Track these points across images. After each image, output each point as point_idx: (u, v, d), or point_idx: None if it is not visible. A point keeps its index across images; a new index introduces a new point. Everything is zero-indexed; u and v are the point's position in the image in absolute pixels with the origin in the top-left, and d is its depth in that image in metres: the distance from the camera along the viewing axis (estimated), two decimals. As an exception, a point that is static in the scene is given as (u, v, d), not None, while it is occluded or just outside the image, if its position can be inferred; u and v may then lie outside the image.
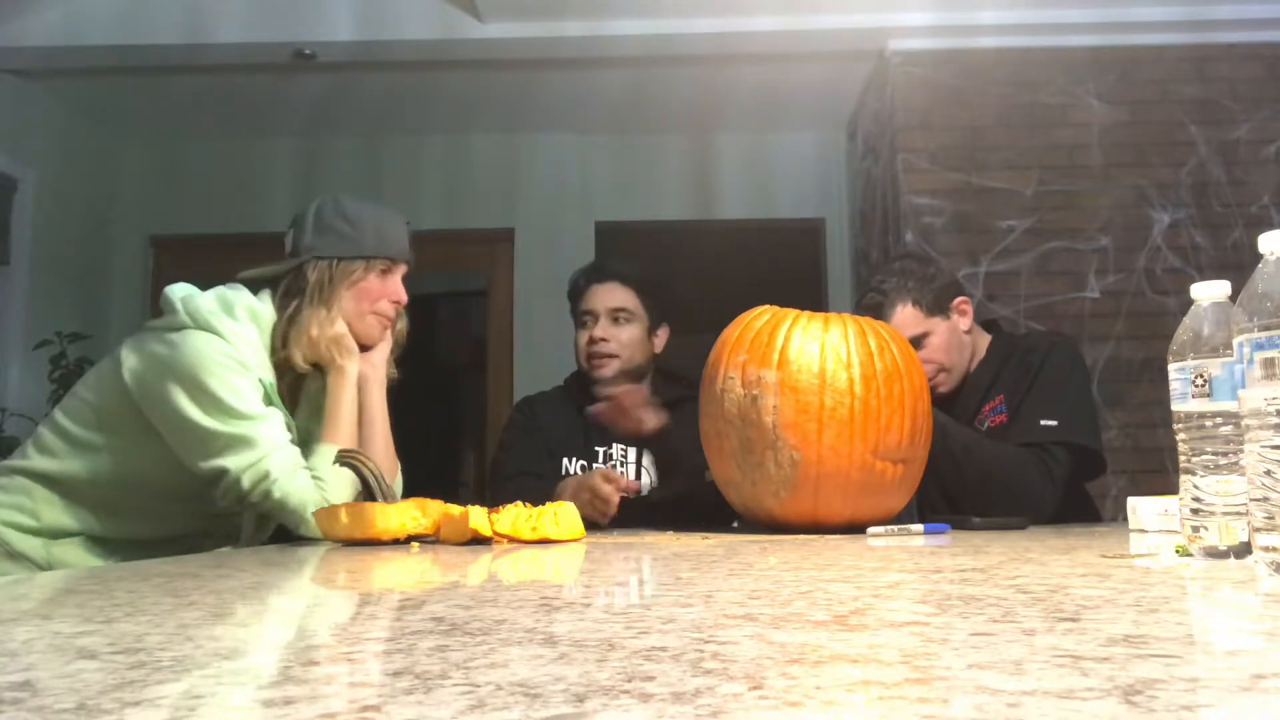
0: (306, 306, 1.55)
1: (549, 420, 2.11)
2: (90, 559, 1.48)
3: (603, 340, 2.07)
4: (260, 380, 1.48)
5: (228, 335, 1.46)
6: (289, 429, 1.53)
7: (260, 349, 1.52)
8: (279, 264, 1.60)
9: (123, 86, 3.96)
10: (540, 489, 1.92)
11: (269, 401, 1.50)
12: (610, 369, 2.08)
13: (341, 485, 1.48)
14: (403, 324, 1.72)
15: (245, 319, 1.51)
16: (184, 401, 1.42)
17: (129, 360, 1.47)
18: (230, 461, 1.42)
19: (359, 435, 1.61)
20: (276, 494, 1.43)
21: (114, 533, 1.52)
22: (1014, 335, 2.05)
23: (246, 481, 1.42)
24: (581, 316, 2.13)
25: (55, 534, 1.49)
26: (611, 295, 2.11)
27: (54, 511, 1.48)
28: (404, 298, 1.65)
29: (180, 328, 1.46)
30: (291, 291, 1.57)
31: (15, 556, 1.45)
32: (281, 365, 1.57)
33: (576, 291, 2.15)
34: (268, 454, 1.43)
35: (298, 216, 1.63)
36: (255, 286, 1.60)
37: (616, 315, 2.10)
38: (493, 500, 1.98)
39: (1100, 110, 3.52)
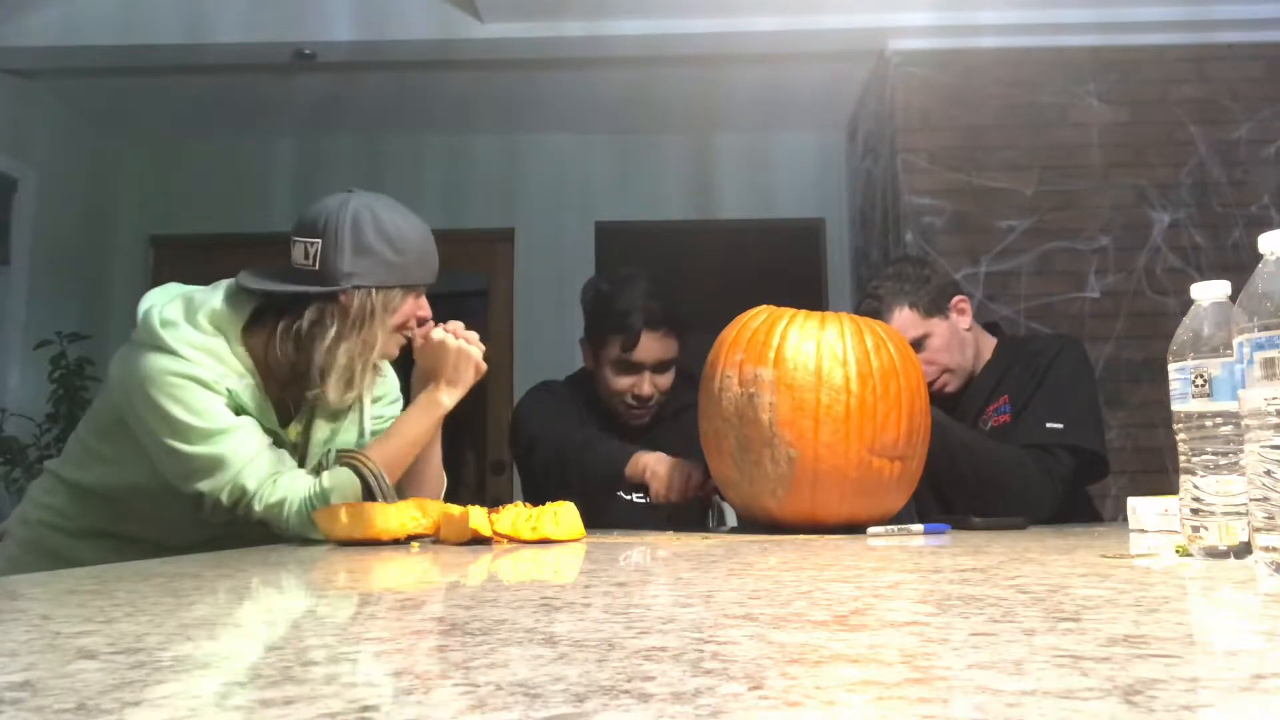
0: (345, 339, 1.45)
1: (569, 408, 2.09)
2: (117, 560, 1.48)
3: (650, 396, 1.99)
4: (228, 390, 1.41)
5: (182, 351, 1.38)
6: (276, 435, 1.49)
7: (226, 356, 1.42)
8: (299, 285, 1.44)
9: (123, 86, 3.96)
10: (611, 440, 1.94)
11: (238, 411, 1.42)
12: (649, 418, 2.04)
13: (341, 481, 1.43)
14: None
15: (208, 326, 1.42)
16: (152, 422, 1.37)
17: (113, 373, 1.44)
18: (205, 485, 1.38)
19: (416, 458, 1.56)
20: (258, 507, 1.39)
21: (143, 534, 1.50)
22: (1020, 337, 2.05)
23: (227, 500, 1.39)
24: (625, 362, 1.98)
25: (86, 534, 1.50)
26: (666, 347, 1.99)
27: (81, 512, 1.50)
28: (429, 314, 1.54)
29: (139, 344, 1.41)
30: (326, 320, 1.44)
31: (44, 552, 1.48)
32: (286, 380, 1.50)
33: (628, 329, 1.96)
34: (241, 469, 1.38)
35: (326, 227, 1.44)
36: (256, 298, 1.49)
37: (664, 364, 2.00)
38: (543, 467, 1.94)
39: (1100, 110, 3.52)
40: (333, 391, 1.45)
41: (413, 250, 1.49)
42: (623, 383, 2.00)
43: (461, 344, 1.52)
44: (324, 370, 1.44)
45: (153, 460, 1.42)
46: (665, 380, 2.02)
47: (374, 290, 1.45)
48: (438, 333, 1.52)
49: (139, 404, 1.38)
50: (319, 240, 1.44)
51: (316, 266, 1.44)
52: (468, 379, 1.53)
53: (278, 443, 1.50)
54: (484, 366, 1.55)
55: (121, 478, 1.48)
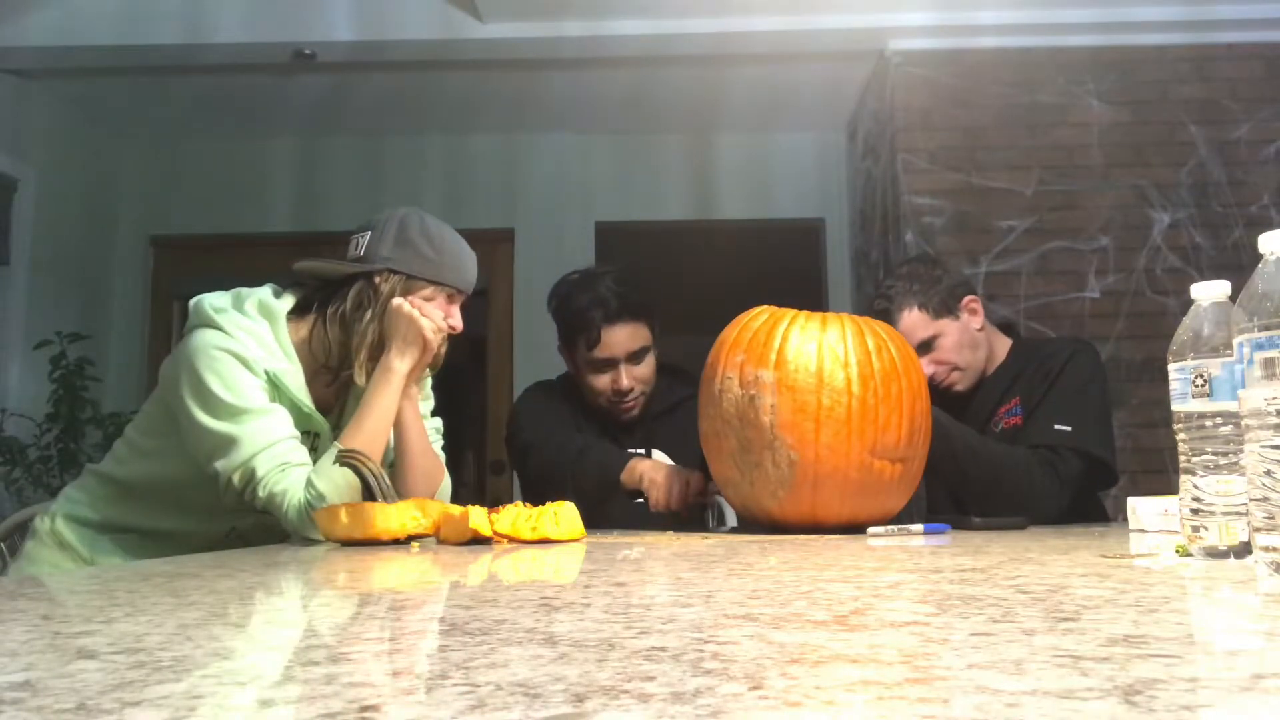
0: (374, 321, 1.54)
1: (565, 409, 2.08)
2: (133, 557, 1.51)
3: (630, 389, 1.98)
4: (266, 372, 1.48)
5: (229, 329, 1.47)
6: (316, 426, 1.54)
7: (270, 341, 1.51)
8: (342, 263, 1.57)
9: (122, 86, 3.96)
10: (607, 447, 1.94)
11: (276, 397, 1.49)
12: (638, 409, 2.02)
13: (338, 483, 1.45)
14: (443, 349, 1.68)
15: (255, 313, 1.51)
16: (185, 396, 1.44)
17: (164, 362, 1.54)
18: (220, 464, 1.43)
19: (397, 448, 1.59)
20: (262, 494, 1.42)
21: (165, 529, 1.56)
22: (1035, 340, 2.06)
23: (238, 482, 1.42)
24: (596, 360, 1.97)
25: (107, 528, 1.56)
26: (633, 338, 1.97)
27: (111, 507, 1.56)
28: (461, 327, 1.61)
29: (190, 329, 1.50)
30: (364, 302, 1.54)
31: (65, 547, 1.54)
32: (322, 368, 1.56)
33: (588, 327, 1.96)
34: (256, 453, 1.42)
35: (375, 222, 1.59)
36: (303, 282, 1.59)
37: (636, 354, 1.98)
38: (540, 473, 1.93)
39: (1100, 110, 3.52)
40: (359, 370, 1.54)
41: (449, 254, 1.59)
42: (601, 380, 1.99)
43: (415, 313, 1.54)
44: (355, 349, 1.54)
45: (184, 440, 1.47)
46: (643, 370, 2.01)
47: (406, 278, 1.55)
48: (396, 300, 1.55)
49: (181, 375, 1.45)
50: (369, 232, 1.58)
51: (361, 254, 1.57)
52: (417, 344, 1.55)
53: (312, 429, 1.55)
54: (430, 335, 1.55)
55: (161, 470, 1.54)
